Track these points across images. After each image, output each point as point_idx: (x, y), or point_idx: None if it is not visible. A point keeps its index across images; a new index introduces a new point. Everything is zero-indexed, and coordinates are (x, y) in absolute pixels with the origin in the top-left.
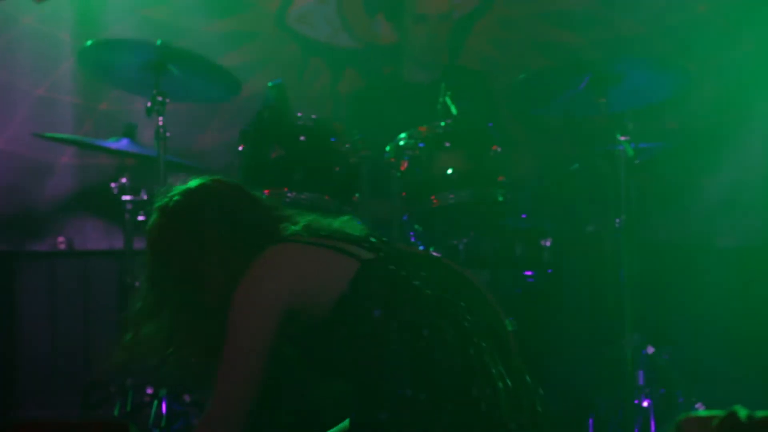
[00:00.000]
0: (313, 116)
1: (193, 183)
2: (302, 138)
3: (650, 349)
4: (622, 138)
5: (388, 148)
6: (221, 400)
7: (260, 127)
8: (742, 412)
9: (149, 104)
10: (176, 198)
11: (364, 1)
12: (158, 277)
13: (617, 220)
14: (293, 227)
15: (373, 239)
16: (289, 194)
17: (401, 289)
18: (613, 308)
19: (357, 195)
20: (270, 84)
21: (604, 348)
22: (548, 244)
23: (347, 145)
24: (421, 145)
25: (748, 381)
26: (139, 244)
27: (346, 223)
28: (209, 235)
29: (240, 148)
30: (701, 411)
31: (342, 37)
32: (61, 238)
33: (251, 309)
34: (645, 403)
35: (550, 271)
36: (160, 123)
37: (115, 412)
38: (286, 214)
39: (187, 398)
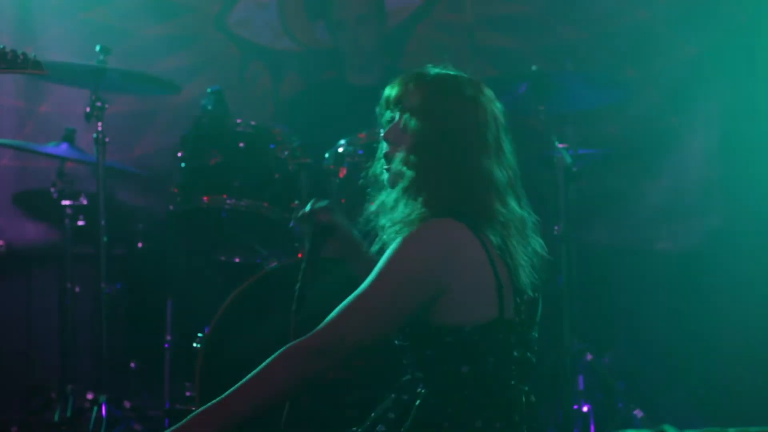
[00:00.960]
0: (253, 122)
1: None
2: (241, 144)
3: (588, 357)
4: (561, 145)
5: (327, 155)
6: (327, 331)
7: (199, 133)
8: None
9: (88, 109)
10: (459, 79)
11: (305, 6)
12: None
13: (556, 227)
14: (493, 221)
15: (526, 297)
16: (228, 201)
17: (501, 368)
18: (553, 314)
19: (296, 202)
20: (209, 90)
21: (543, 353)
22: None
23: (286, 152)
24: (360, 152)
25: (686, 386)
26: (79, 248)
27: (534, 256)
28: (445, 128)
29: (179, 154)
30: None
31: (283, 41)
32: (1, 242)
33: (409, 264)
34: (585, 408)
35: None
36: (99, 128)
37: (56, 418)
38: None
39: (127, 404)
